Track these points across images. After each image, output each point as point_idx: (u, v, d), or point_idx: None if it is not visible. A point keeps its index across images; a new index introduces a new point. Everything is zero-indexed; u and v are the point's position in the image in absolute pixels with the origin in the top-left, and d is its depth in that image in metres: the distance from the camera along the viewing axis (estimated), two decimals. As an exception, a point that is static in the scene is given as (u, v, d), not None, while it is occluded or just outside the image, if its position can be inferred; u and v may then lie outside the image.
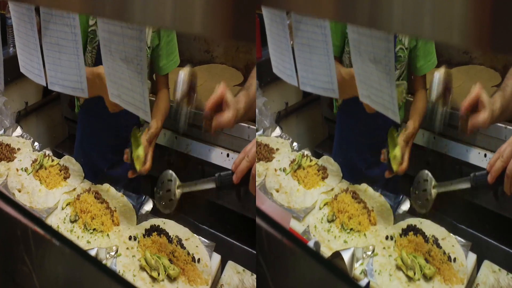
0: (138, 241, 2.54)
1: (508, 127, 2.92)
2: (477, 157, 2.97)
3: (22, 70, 2.20)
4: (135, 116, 2.94)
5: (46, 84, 2.13)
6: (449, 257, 2.47)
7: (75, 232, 2.61)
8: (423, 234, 2.55)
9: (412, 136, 2.73)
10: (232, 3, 1.23)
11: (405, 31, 1.15)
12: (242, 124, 2.97)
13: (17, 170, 2.89)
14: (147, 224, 2.62)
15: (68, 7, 1.50)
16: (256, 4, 1.25)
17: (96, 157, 2.84)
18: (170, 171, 2.62)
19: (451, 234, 2.57)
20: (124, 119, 2.90)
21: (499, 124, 2.95)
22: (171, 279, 2.42)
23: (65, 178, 2.84)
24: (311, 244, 2.44)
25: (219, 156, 2.98)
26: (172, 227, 2.60)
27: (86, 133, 3.03)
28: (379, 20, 1.16)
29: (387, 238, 2.56)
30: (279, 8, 1.76)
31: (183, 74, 2.45)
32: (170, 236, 2.55)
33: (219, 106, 2.46)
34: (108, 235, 2.59)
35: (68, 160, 2.94)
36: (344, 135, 3.01)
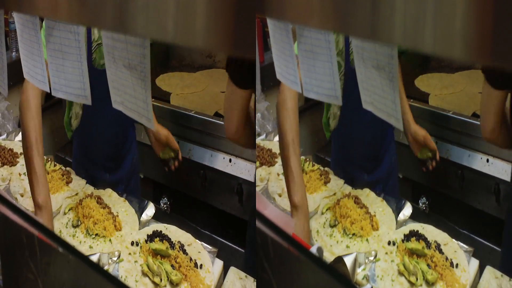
0: (141, 247, 2.54)
1: (510, 132, 2.92)
2: (479, 162, 2.97)
3: (25, 76, 2.20)
4: (131, 137, 3.00)
5: (50, 90, 2.13)
6: (451, 263, 2.47)
7: (77, 237, 2.61)
8: (425, 240, 2.55)
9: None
10: (233, 16, 1.23)
11: (406, 43, 1.15)
12: (245, 129, 2.98)
13: (20, 174, 2.89)
14: (149, 229, 2.62)
15: (70, 19, 1.50)
16: (257, 17, 1.26)
17: (93, 169, 2.88)
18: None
19: (453, 240, 2.57)
20: (120, 139, 2.97)
21: (501, 129, 2.95)
22: (174, 285, 2.42)
23: (68, 183, 2.85)
24: (313, 249, 2.43)
25: (221, 161, 2.98)
26: (175, 233, 2.60)
27: (81, 153, 3.05)
28: (380, 32, 1.16)
29: (389, 243, 2.56)
30: (280, 19, 1.77)
31: None
32: (172, 241, 2.55)
33: None
34: (110, 240, 2.59)
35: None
36: (342, 140, 3.03)
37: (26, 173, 2.60)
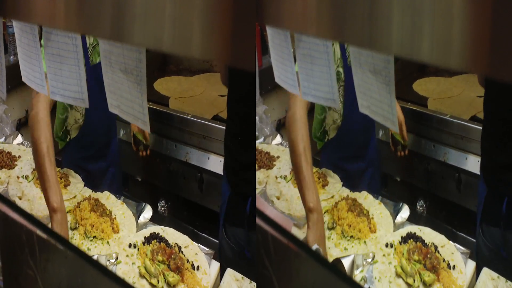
0: (138, 249, 2.54)
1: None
2: (476, 165, 2.97)
3: (24, 79, 2.21)
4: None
5: (48, 93, 2.14)
6: (448, 265, 2.48)
7: (75, 239, 2.62)
8: (422, 242, 2.56)
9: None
10: (232, 25, 1.24)
11: (404, 53, 1.15)
12: (242, 132, 2.98)
13: (18, 177, 2.90)
14: (146, 231, 2.63)
15: (68, 27, 1.51)
16: (255, 27, 1.26)
17: (88, 161, 2.95)
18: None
19: (451, 242, 2.58)
20: (111, 126, 3.03)
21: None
22: (171, 286, 2.43)
23: (65, 186, 2.85)
24: (311, 251, 2.44)
25: (218, 164, 2.99)
26: (172, 235, 2.61)
27: (75, 152, 3.09)
28: (378, 42, 1.16)
29: (387, 245, 2.56)
30: (279, 27, 1.77)
31: None
32: (169, 243, 2.56)
33: None
34: (108, 242, 2.59)
35: (68, 169, 2.96)
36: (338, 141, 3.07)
37: (39, 181, 2.68)
